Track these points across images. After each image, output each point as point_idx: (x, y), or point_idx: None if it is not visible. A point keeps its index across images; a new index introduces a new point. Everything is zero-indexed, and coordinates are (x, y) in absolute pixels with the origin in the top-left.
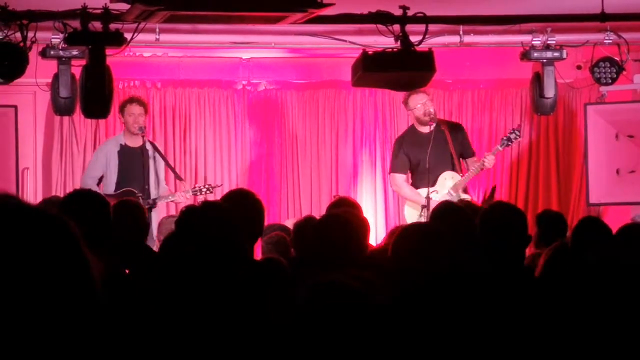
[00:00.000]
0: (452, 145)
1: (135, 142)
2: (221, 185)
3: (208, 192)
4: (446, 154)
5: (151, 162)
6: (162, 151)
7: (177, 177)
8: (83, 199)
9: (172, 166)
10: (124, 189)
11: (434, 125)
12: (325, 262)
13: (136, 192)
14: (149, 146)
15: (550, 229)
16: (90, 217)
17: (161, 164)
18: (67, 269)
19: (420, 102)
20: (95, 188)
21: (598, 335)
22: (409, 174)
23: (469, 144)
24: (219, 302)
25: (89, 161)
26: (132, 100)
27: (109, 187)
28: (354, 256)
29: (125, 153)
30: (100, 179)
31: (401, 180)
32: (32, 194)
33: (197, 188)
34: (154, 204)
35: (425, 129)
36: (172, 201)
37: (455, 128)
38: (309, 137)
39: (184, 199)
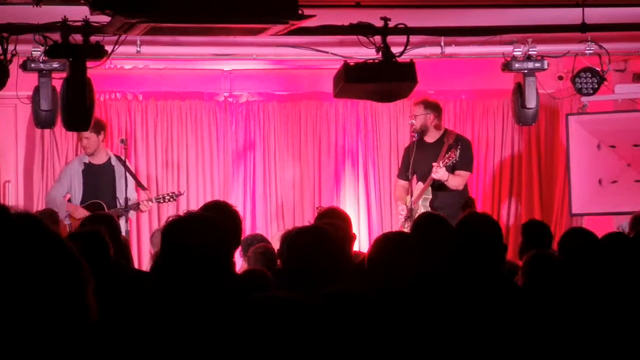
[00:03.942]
0: (439, 159)
1: (98, 160)
2: (184, 193)
3: (171, 199)
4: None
5: (118, 176)
6: (145, 163)
7: (140, 185)
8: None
9: (137, 177)
10: (92, 202)
11: (440, 135)
12: (311, 274)
13: (103, 204)
14: (115, 161)
15: (536, 238)
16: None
17: (128, 175)
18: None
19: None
20: (56, 204)
21: (578, 343)
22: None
23: (461, 160)
24: (205, 316)
25: None
26: None
27: (75, 202)
28: (338, 268)
29: (89, 171)
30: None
31: (398, 185)
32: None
33: (160, 196)
34: (125, 213)
35: (428, 139)
36: (136, 210)
37: (457, 141)
38: (291, 148)
39: (148, 207)
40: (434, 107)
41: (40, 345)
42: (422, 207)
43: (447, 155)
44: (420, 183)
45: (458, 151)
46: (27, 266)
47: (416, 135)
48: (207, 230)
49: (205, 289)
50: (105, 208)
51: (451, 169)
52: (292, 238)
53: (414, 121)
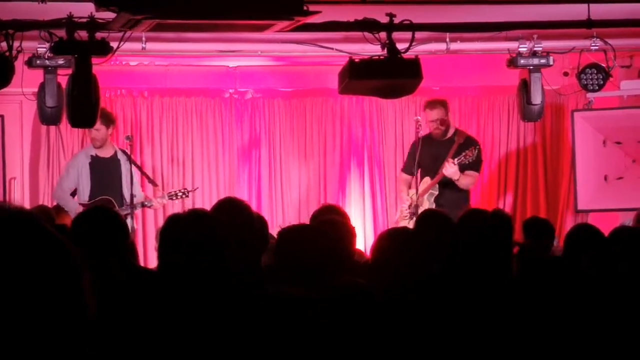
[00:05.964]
0: (448, 158)
1: (105, 153)
2: (197, 188)
3: (184, 196)
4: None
5: (124, 170)
6: (151, 160)
7: (152, 182)
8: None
9: (146, 172)
10: (100, 197)
11: (451, 133)
12: (305, 270)
13: (113, 200)
14: (120, 155)
15: (537, 235)
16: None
17: (135, 171)
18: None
19: None
20: (68, 199)
21: (588, 343)
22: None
23: (471, 162)
24: (204, 312)
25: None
26: None
27: (83, 197)
28: (337, 263)
29: (96, 164)
30: (74, 191)
31: (401, 179)
32: (19, 204)
33: (172, 192)
34: (132, 211)
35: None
36: (149, 207)
37: (470, 142)
38: (296, 144)
39: (160, 204)
40: (447, 106)
41: (31, 343)
42: (427, 202)
43: (463, 154)
44: (427, 178)
45: (476, 152)
46: (18, 263)
47: (420, 133)
48: (202, 226)
49: (205, 284)
50: (115, 205)
51: (461, 168)
52: (280, 236)
53: (439, 125)
